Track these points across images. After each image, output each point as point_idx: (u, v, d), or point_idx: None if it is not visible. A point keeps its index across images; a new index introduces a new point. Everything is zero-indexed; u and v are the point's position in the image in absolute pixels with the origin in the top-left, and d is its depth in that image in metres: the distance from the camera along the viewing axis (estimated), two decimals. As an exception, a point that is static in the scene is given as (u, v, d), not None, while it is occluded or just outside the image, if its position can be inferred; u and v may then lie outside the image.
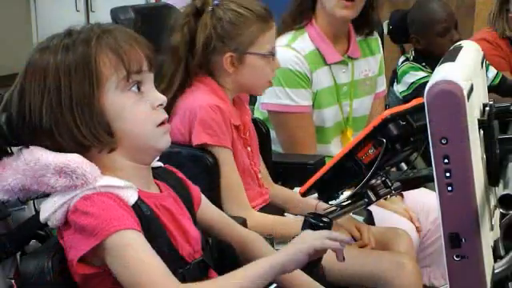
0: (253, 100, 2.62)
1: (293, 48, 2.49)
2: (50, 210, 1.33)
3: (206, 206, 1.57)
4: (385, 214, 2.41)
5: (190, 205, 1.50)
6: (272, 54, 2.06)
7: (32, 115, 1.34)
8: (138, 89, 1.37)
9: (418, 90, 3.09)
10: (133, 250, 1.28)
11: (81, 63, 1.33)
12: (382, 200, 2.47)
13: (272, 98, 2.49)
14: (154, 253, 1.29)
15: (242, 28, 2.03)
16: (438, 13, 3.24)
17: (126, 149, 1.37)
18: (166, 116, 1.40)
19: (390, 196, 2.50)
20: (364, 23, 2.62)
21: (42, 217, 1.34)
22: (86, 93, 1.33)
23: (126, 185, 1.34)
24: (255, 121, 2.33)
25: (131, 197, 1.33)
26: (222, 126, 2.00)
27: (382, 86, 2.76)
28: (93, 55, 1.33)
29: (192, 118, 1.99)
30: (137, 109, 1.36)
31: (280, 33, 2.55)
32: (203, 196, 1.57)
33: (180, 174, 1.54)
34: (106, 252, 1.28)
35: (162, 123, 1.39)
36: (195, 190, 1.55)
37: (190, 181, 1.56)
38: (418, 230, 2.43)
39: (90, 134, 1.33)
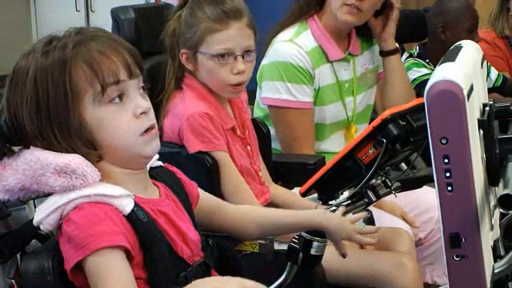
0: (251, 100, 2.61)
1: (295, 43, 2.48)
2: (43, 213, 1.32)
3: (203, 197, 1.57)
4: (385, 214, 2.41)
5: (189, 205, 1.50)
6: (221, 55, 2.01)
7: (19, 123, 1.34)
8: (120, 98, 1.34)
9: (420, 86, 3.10)
10: (110, 272, 1.26)
11: (56, 71, 1.31)
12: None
13: (272, 92, 2.48)
14: (131, 276, 1.28)
15: (194, 26, 2.03)
16: (472, 11, 3.25)
17: (113, 159, 1.36)
18: (152, 122, 1.37)
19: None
20: (369, 32, 2.64)
21: (35, 220, 1.33)
22: (63, 104, 1.31)
23: (121, 194, 1.32)
24: (255, 121, 2.32)
25: (127, 206, 1.32)
26: (213, 131, 2.00)
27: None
28: (68, 67, 1.31)
29: (182, 128, 2.00)
30: (118, 120, 1.33)
31: (285, 22, 2.56)
32: (200, 190, 1.56)
33: (178, 174, 1.53)
34: (87, 266, 1.27)
35: (148, 130, 1.36)
36: (192, 187, 1.54)
37: (188, 179, 1.55)
38: (413, 225, 2.43)
39: (70, 149, 1.32)
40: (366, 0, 2.45)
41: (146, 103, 1.36)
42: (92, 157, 1.33)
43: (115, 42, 1.37)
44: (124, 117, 1.34)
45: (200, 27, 2.02)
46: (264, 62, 2.53)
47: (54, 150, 1.32)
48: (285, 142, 2.53)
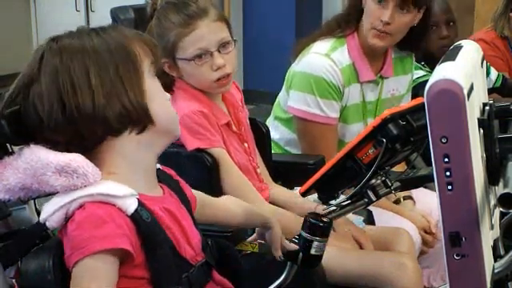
0: (251, 100, 2.62)
1: (331, 58, 2.46)
2: (49, 212, 1.32)
3: (198, 198, 1.57)
4: (385, 214, 2.42)
5: (189, 206, 1.50)
6: (198, 56, 2.02)
7: (70, 98, 1.32)
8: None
9: (416, 88, 3.09)
10: (93, 279, 1.27)
11: (119, 44, 1.37)
12: (397, 207, 2.48)
13: (301, 104, 2.48)
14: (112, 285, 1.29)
15: (165, 36, 2.04)
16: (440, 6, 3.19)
17: (154, 129, 1.39)
18: None
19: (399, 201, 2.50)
20: (410, 45, 2.60)
21: (42, 217, 1.34)
22: (131, 70, 1.36)
23: (125, 193, 1.32)
24: (255, 121, 2.33)
25: (131, 206, 1.32)
26: (209, 128, 2.01)
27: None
28: (127, 40, 1.38)
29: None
30: (164, 95, 1.43)
31: (321, 34, 2.54)
32: (194, 191, 1.57)
33: (175, 177, 1.54)
34: (77, 266, 1.28)
35: None
36: (188, 190, 1.55)
37: (187, 181, 1.56)
38: (434, 237, 2.43)
39: (139, 106, 1.36)
40: (394, 22, 2.42)
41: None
42: (145, 122, 1.38)
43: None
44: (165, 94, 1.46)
45: (170, 36, 2.03)
46: (296, 68, 2.52)
47: (99, 131, 1.34)
48: (307, 152, 2.54)
